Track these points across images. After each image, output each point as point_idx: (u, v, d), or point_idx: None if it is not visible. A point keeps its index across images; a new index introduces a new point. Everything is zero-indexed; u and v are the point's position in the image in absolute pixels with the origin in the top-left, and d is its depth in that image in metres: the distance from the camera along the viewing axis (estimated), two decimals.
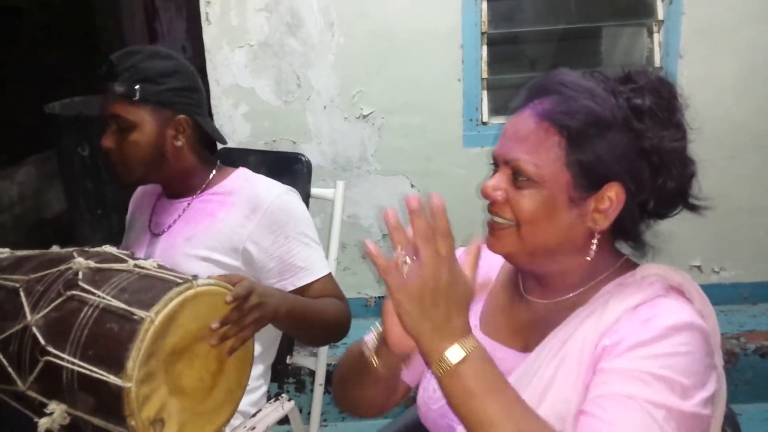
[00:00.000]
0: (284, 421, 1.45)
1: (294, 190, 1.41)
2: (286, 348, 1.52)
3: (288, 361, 1.55)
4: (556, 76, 0.86)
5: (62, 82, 4.44)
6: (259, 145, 2.32)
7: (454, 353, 0.71)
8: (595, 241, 0.84)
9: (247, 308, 1.10)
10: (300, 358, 1.61)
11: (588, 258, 0.84)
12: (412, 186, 2.39)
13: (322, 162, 2.35)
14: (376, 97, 2.32)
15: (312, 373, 1.58)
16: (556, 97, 0.83)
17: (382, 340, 0.86)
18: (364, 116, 2.34)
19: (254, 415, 1.39)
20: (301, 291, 1.32)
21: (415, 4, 2.25)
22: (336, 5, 2.26)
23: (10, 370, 1.10)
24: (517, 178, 0.83)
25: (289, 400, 1.44)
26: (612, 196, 0.82)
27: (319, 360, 1.53)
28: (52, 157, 4.05)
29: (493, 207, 0.85)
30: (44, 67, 4.72)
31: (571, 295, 0.87)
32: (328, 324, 1.31)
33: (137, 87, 1.27)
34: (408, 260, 0.73)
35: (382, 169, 2.38)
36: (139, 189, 1.57)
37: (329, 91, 2.33)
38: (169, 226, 1.39)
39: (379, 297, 2.41)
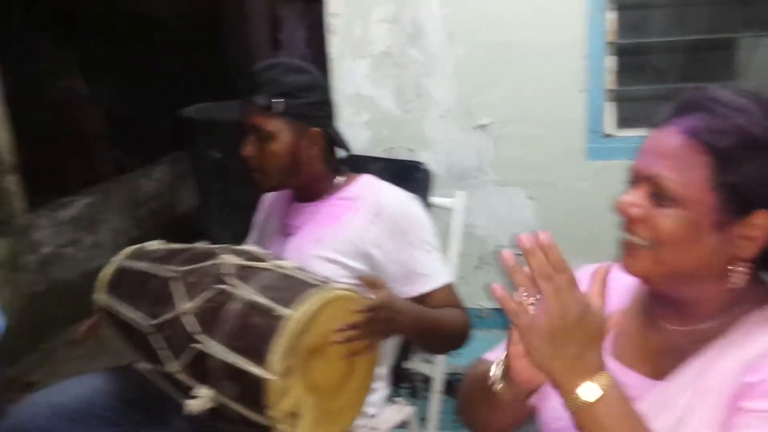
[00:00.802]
0: (399, 425, 1.50)
1: (416, 197, 1.46)
2: (403, 352, 1.57)
3: (404, 365, 1.59)
4: (707, 91, 0.82)
5: (193, 88, 4.78)
6: (378, 152, 2.40)
7: (589, 390, 0.71)
8: (738, 269, 0.80)
9: (376, 319, 1.16)
10: (416, 363, 1.66)
11: (729, 286, 0.81)
12: (529, 198, 2.38)
13: (437, 171, 2.38)
14: (494, 107, 2.34)
15: (426, 379, 1.62)
16: (707, 115, 0.80)
17: (507, 372, 0.84)
18: (482, 126, 2.36)
19: (372, 416, 1.44)
20: (422, 298, 1.36)
21: (537, 15, 2.25)
22: (457, 16, 2.30)
23: (163, 352, 1.23)
24: (658, 196, 0.80)
25: (408, 404, 1.49)
26: (761, 224, 0.79)
27: (436, 367, 1.57)
28: (185, 157, 4.37)
29: (628, 225, 0.83)
30: (177, 73, 5.10)
31: (710, 323, 0.83)
32: (448, 334, 1.34)
33: (276, 101, 1.36)
34: (533, 300, 0.73)
35: (499, 180, 2.39)
36: (270, 193, 1.67)
37: (447, 101, 2.37)
38: (300, 229, 1.48)
39: (492, 309, 2.42)
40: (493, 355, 0.95)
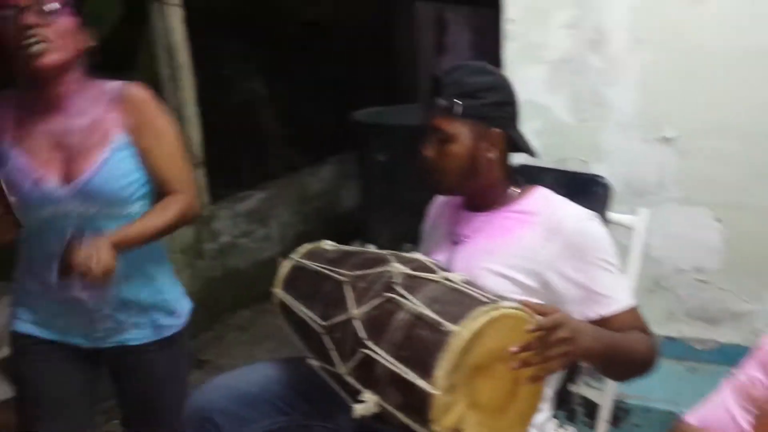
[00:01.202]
0: None
1: (596, 215, 1.37)
2: (570, 374, 1.49)
3: (570, 389, 1.51)
4: None
5: (362, 92, 4.95)
6: (548, 162, 2.30)
7: None
8: None
9: (552, 341, 1.09)
10: (582, 387, 1.56)
11: None
12: (717, 219, 2.16)
13: (613, 184, 2.25)
14: (683, 118, 2.14)
15: (587, 403, 1.52)
16: None
17: None
18: (667, 139, 2.18)
19: None
20: (604, 321, 1.27)
21: (738, 19, 2.03)
22: (646, 21, 2.14)
23: (333, 353, 1.26)
24: None
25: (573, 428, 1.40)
26: None
27: (605, 394, 1.47)
28: (349, 158, 4.54)
29: None
30: (347, 77, 5.31)
31: None
32: (635, 361, 1.25)
33: (457, 102, 1.34)
34: None
35: (683, 198, 2.19)
36: (440, 199, 1.66)
37: (628, 111, 2.21)
38: (469, 238, 1.45)
39: (667, 337, 2.23)
40: (694, 418, 0.85)
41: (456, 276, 1.24)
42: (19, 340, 1.50)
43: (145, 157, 1.43)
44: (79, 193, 1.38)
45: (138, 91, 1.45)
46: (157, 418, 1.58)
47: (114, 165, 1.40)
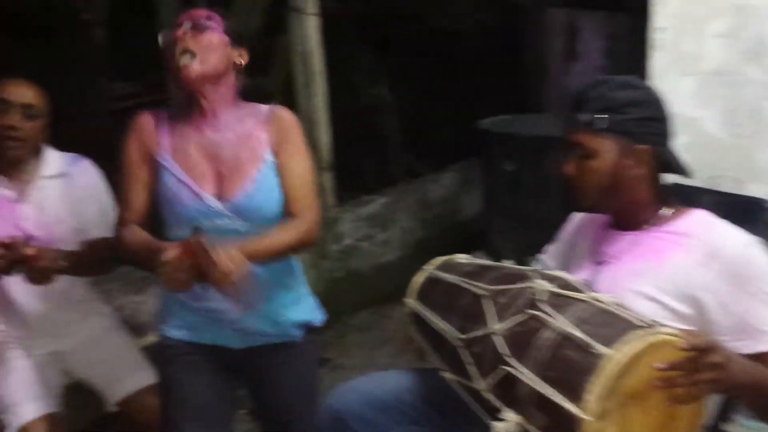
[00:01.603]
0: None
1: (759, 241, 1.26)
2: (724, 412, 1.38)
3: (722, 427, 1.40)
4: None
5: (488, 99, 4.91)
6: (697, 180, 2.16)
7: None
8: None
9: (704, 364, 1.03)
10: (736, 426, 1.44)
11: None
12: None
13: None
14: None
15: None
16: None
17: None
18: None
19: None
20: (758, 357, 1.18)
21: None
22: None
23: (471, 368, 1.24)
24: None
25: None
26: None
27: None
28: (471, 166, 4.50)
29: None
30: (472, 84, 5.28)
31: None
32: None
33: (600, 117, 1.29)
34: None
35: None
36: (580, 215, 1.60)
37: None
38: (616, 258, 1.38)
39: None
40: None
41: (606, 297, 1.19)
42: (166, 345, 1.57)
43: (281, 174, 1.46)
44: (234, 210, 1.43)
45: (286, 113, 1.51)
46: (292, 418, 1.63)
47: (266, 183, 1.44)
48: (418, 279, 1.49)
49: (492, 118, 3.60)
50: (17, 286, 1.67)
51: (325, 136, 3.25)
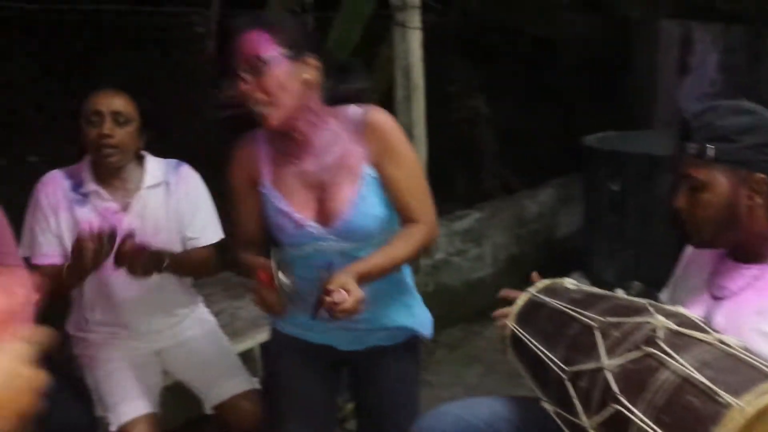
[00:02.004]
0: None
1: None
2: None
3: None
4: None
5: (592, 113, 4.74)
6: None
7: None
8: None
9: None
10: None
11: None
12: None
13: None
14: None
15: None
16: None
17: None
18: None
19: None
20: None
21: None
22: None
23: (576, 402, 1.17)
24: None
25: None
26: None
27: None
28: (570, 182, 4.36)
29: None
30: (576, 97, 5.11)
31: None
32: None
33: (710, 146, 1.22)
34: None
35: None
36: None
37: None
38: (735, 294, 1.28)
39: None
40: None
41: (731, 339, 1.09)
42: (278, 339, 1.62)
43: (387, 186, 1.43)
44: (336, 233, 1.43)
45: (379, 116, 1.43)
46: (388, 423, 1.63)
47: (366, 201, 1.42)
48: (520, 301, 1.43)
49: (597, 134, 3.46)
50: (121, 286, 1.74)
51: (423, 150, 3.23)
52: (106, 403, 1.72)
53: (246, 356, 2.18)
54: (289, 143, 1.44)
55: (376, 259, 1.41)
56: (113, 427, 1.67)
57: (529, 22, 4.68)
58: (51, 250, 1.72)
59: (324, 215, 1.43)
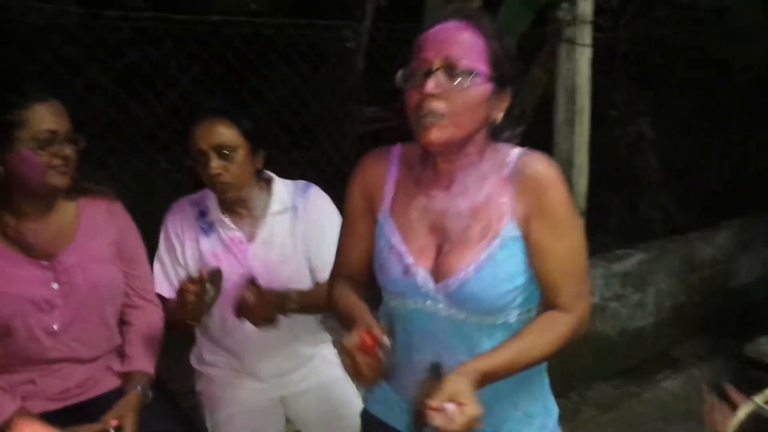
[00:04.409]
0: None
1: None
2: None
3: None
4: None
5: None
6: None
7: None
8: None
9: None
10: None
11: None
12: None
13: None
14: None
15: None
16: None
17: None
18: None
19: None
20: None
21: None
22: None
23: None
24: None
25: None
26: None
27: None
28: (752, 224, 3.77)
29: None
30: (754, 125, 4.47)
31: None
32: None
33: None
34: None
35: None
36: None
37: None
38: None
39: None
40: None
41: None
42: (365, 417, 1.35)
43: (534, 254, 1.11)
44: (449, 295, 1.13)
45: (541, 166, 1.12)
46: None
47: (497, 266, 1.11)
48: (740, 414, 1.08)
49: None
50: (243, 326, 1.58)
51: (583, 180, 2.88)
52: None
53: None
54: (426, 171, 1.18)
55: (503, 354, 1.08)
56: None
57: (711, 43, 4.13)
58: (177, 282, 1.61)
59: (440, 269, 1.14)
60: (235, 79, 2.90)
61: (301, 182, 1.68)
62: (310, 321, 1.69)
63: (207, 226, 1.60)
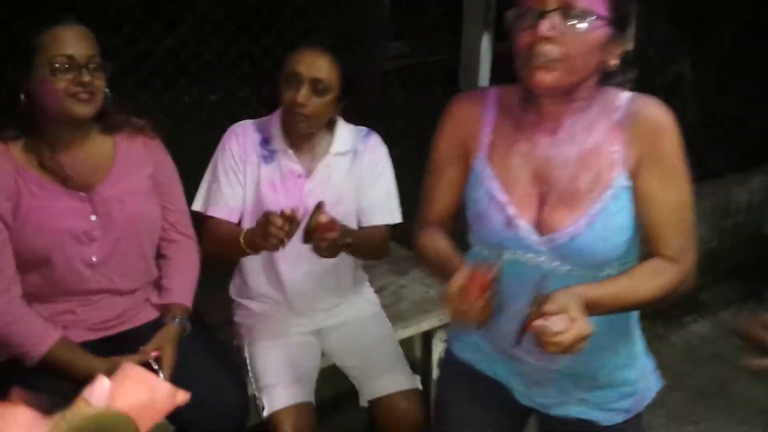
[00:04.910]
0: None
1: None
2: None
3: None
4: None
5: None
6: None
7: None
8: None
9: None
10: None
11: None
12: None
13: None
14: None
15: None
16: None
17: None
18: None
19: None
20: None
21: None
22: None
23: None
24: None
25: None
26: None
27: None
28: None
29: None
30: None
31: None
32: None
33: None
34: None
35: None
36: None
37: None
38: None
39: None
40: None
41: None
42: (451, 362, 1.34)
43: (643, 203, 1.06)
44: (556, 249, 1.08)
45: (656, 111, 1.05)
46: None
47: (609, 219, 1.06)
48: None
49: None
50: (285, 262, 1.62)
51: None
52: (261, 383, 1.59)
53: (406, 344, 1.98)
54: (528, 115, 1.11)
55: (612, 287, 1.05)
56: (266, 412, 1.55)
57: None
58: (234, 204, 1.60)
59: (546, 222, 1.09)
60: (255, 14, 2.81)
61: (364, 128, 1.68)
62: (350, 259, 1.70)
63: (269, 154, 1.60)
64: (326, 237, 1.40)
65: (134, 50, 2.57)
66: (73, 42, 1.31)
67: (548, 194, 1.09)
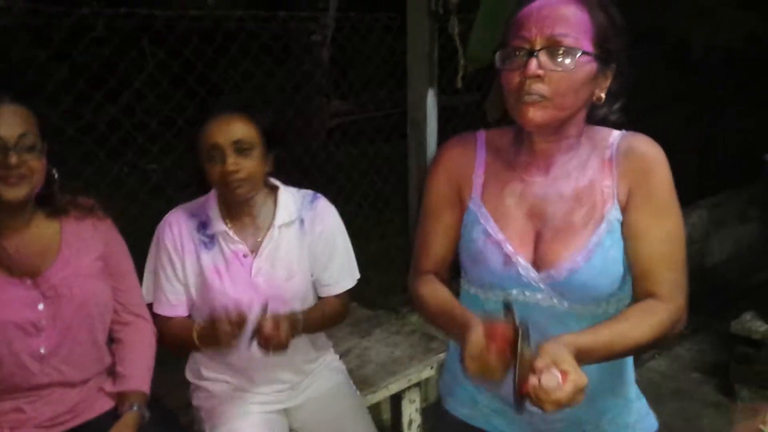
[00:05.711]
0: None
1: None
2: None
3: None
4: None
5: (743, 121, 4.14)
6: None
7: None
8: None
9: None
10: None
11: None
12: None
13: None
14: None
15: None
16: None
17: None
18: None
19: None
20: None
21: None
22: None
23: None
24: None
25: None
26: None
27: None
28: (725, 201, 3.83)
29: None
30: (721, 103, 4.52)
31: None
32: None
33: None
34: None
35: None
36: None
37: None
38: None
39: None
40: None
41: None
42: (443, 420, 1.29)
43: (632, 238, 1.05)
44: (554, 285, 1.07)
45: (647, 147, 1.07)
46: None
47: (606, 252, 1.05)
48: None
49: None
50: (250, 349, 1.51)
51: None
52: None
53: (374, 408, 1.92)
54: (520, 155, 1.12)
55: (601, 334, 1.01)
56: None
57: (676, 22, 4.16)
58: (176, 300, 1.52)
59: (543, 258, 1.08)
60: (199, 72, 2.77)
61: (309, 192, 1.60)
62: (313, 336, 1.64)
63: (208, 239, 1.51)
64: (272, 342, 1.36)
65: (77, 123, 2.49)
66: (0, 122, 1.23)
67: (544, 231, 1.09)
